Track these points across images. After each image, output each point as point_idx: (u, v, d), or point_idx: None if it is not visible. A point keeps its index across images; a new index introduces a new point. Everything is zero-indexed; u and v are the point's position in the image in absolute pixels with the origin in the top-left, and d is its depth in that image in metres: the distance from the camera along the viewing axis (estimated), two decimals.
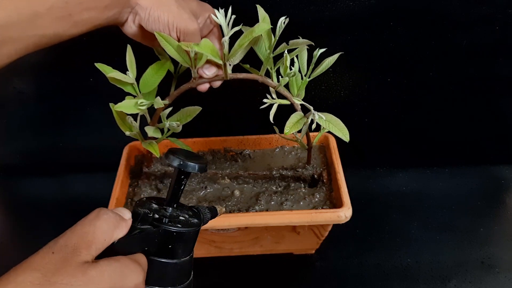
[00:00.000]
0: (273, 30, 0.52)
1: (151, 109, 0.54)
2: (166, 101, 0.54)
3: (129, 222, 0.38)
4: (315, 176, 0.66)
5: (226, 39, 0.49)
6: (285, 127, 0.52)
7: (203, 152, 0.73)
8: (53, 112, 0.80)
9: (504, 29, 0.69)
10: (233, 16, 0.50)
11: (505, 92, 0.77)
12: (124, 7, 0.47)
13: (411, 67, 0.75)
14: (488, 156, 0.85)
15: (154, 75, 0.53)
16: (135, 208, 0.41)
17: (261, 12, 0.52)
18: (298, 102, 0.56)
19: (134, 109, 0.51)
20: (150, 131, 0.55)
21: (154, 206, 0.42)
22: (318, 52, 0.54)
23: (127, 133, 0.54)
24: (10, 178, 0.88)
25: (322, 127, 0.55)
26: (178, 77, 0.57)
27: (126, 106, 0.51)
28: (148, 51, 0.54)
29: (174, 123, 0.55)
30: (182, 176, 0.41)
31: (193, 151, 0.46)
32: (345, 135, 0.54)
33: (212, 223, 0.57)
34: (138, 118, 0.54)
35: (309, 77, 0.56)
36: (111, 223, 0.37)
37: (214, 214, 0.45)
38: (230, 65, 0.53)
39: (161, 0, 0.48)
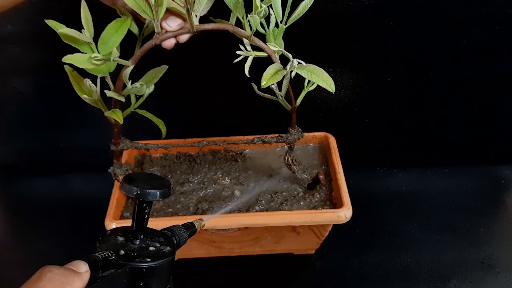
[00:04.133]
0: None
1: (115, 77, 0.50)
2: (129, 63, 0.48)
3: (86, 275, 0.34)
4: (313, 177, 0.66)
5: None
6: (262, 79, 0.47)
7: (203, 152, 0.73)
8: (53, 112, 0.80)
9: (504, 29, 0.69)
10: None
11: (505, 92, 0.77)
12: None
13: (411, 67, 0.75)
14: (488, 156, 0.85)
15: (113, 34, 0.47)
16: (94, 254, 0.36)
17: None
18: (274, 48, 0.50)
19: (87, 63, 0.45)
20: (111, 93, 0.50)
21: (120, 239, 0.38)
22: None
23: (84, 97, 0.49)
24: (10, 178, 0.88)
25: (305, 84, 0.52)
26: (144, 40, 0.52)
27: (78, 59, 0.44)
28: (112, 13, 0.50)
29: (138, 84, 0.50)
30: (144, 205, 0.37)
31: (152, 174, 0.43)
32: (329, 85, 0.49)
33: (212, 223, 0.58)
34: (98, 81, 0.49)
35: (285, 24, 0.50)
36: (58, 281, 0.32)
37: (192, 231, 0.42)
38: (196, 16, 0.48)
39: None
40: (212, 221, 0.58)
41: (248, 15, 0.47)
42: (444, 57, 0.73)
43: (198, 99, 0.79)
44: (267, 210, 0.62)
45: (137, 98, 0.55)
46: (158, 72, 0.52)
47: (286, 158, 0.62)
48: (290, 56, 0.49)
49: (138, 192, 0.36)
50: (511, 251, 0.70)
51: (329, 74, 0.75)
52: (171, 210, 0.63)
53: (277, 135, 0.60)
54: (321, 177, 0.66)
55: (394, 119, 0.81)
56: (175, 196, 0.65)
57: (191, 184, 0.67)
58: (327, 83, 0.49)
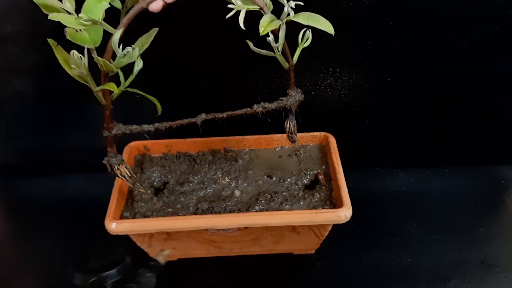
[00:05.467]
0: None
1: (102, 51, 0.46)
2: (116, 30, 0.45)
3: None
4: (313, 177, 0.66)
5: None
6: (260, 26, 0.45)
7: (203, 152, 0.73)
8: (53, 112, 0.80)
9: (504, 29, 0.69)
10: None
11: (505, 92, 0.77)
12: None
13: (411, 67, 0.75)
14: (488, 156, 0.85)
15: (96, 3, 0.44)
16: None
17: None
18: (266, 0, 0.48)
19: (74, 23, 0.42)
20: (100, 60, 0.46)
21: None
22: None
23: (73, 67, 0.45)
24: (10, 178, 0.88)
25: (299, 41, 0.49)
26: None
27: (65, 18, 0.42)
28: None
29: (129, 48, 0.46)
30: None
31: (106, 250, 0.39)
32: (328, 28, 0.48)
33: (213, 223, 0.58)
34: (86, 52, 0.46)
35: None
36: None
37: (158, 268, 0.41)
38: None
39: None
40: (212, 221, 0.58)
41: None
42: (444, 57, 0.73)
43: (197, 98, 0.79)
44: (267, 210, 0.62)
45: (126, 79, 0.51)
46: (148, 37, 0.49)
47: (287, 125, 0.58)
48: (284, 1, 0.47)
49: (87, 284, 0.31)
50: (511, 251, 0.70)
51: (329, 74, 0.76)
52: (171, 210, 0.63)
53: (277, 100, 0.56)
54: (321, 177, 0.66)
55: (394, 119, 0.81)
56: (175, 196, 0.65)
57: (191, 184, 0.67)
58: (325, 26, 0.48)
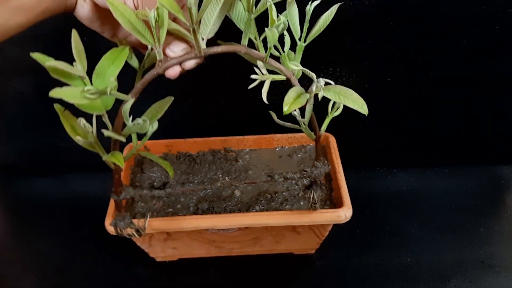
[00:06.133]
0: None
1: (113, 116, 0.43)
2: (128, 97, 0.42)
3: None
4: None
5: (192, 2, 0.38)
6: (284, 104, 0.41)
7: (203, 152, 0.73)
8: (53, 112, 0.80)
9: (504, 29, 0.69)
10: None
11: (505, 92, 0.77)
12: None
13: (411, 67, 0.75)
14: (488, 156, 0.85)
15: (110, 66, 0.42)
16: None
17: None
18: (296, 68, 0.45)
19: (79, 97, 0.38)
20: (109, 133, 0.43)
21: None
22: (312, 6, 0.43)
23: (78, 139, 0.42)
24: (10, 178, 0.88)
25: (329, 110, 0.45)
26: (144, 73, 0.46)
27: (69, 93, 0.37)
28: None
29: (140, 120, 0.43)
30: None
31: None
32: (362, 107, 0.44)
33: (213, 223, 0.58)
34: (94, 120, 0.42)
35: (304, 41, 0.45)
36: None
37: None
38: (203, 39, 0.43)
39: None
40: (212, 221, 0.58)
41: (265, 28, 0.42)
42: (444, 57, 0.73)
43: (197, 98, 0.79)
44: (267, 210, 0.62)
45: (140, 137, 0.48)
46: (163, 105, 0.46)
47: (311, 195, 0.55)
48: (314, 76, 0.43)
49: None
50: (511, 250, 0.70)
51: (329, 74, 0.75)
52: (171, 210, 0.63)
53: (300, 171, 0.54)
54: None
55: (394, 119, 0.81)
56: (176, 196, 0.65)
57: (191, 184, 0.67)
58: (359, 104, 0.44)
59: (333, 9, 0.45)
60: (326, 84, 0.43)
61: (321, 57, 0.74)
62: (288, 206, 0.62)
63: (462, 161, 0.85)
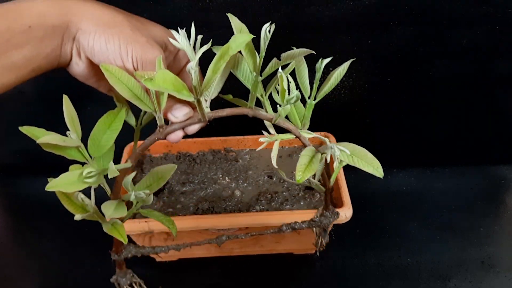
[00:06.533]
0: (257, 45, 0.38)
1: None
2: (128, 164, 0.40)
3: None
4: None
5: (193, 66, 0.35)
6: (296, 172, 0.39)
7: (203, 152, 0.73)
8: (53, 112, 0.80)
9: (504, 29, 0.69)
10: (200, 36, 0.37)
11: (505, 92, 0.77)
12: (64, 36, 0.37)
13: (411, 67, 0.75)
14: (488, 156, 0.85)
15: (106, 130, 0.40)
16: None
17: (234, 22, 0.39)
18: (308, 135, 0.43)
19: (79, 184, 0.36)
20: (109, 209, 0.40)
21: None
22: (322, 63, 0.41)
23: (78, 216, 0.39)
24: (10, 178, 0.88)
25: (339, 161, 0.41)
26: (143, 130, 0.45)
27: (66, 182, 0.36)
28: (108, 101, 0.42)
29: (142, 193, 0.40)
30: None
31: None
32: (377, 169, 0.41)
33: (213, 223, 0.58)
34: (92, 192, 0.40)
35: (314, 99, 0.43)
36: None
37: None
38: (206, 100, 0.41)
39: (109, 21, 0.37)
40: (212, 221, 0.58)
41: (269, 97, 0.41)
42: (444, 57, 0.73)
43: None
44: (267, 210, 0.62)
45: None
46: (165, 172, 0.43)
47: (319, 241, 0.56)
48: (327, 140, 0.42)
49: None
50: (511, 250, 0.70)
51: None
52: (171, 210, 0.63)
53: (308, 220, 0.54)
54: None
55: (394, 119, 0.81)
56: (176, 196, 0.65)
57: (191, 184, 0.67)
58: (374, 166, 0.41)
59: (345, 65, 0.43)
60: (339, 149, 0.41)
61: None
62: (288, 206, 0.62)
63: (462, 161, 0.85)
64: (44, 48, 0.36)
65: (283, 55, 0.39)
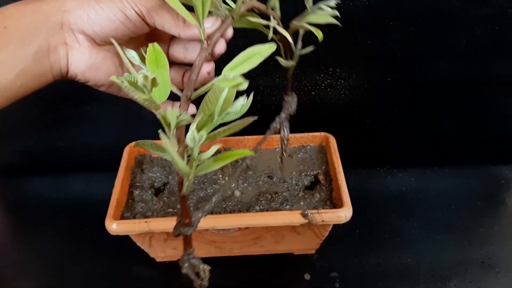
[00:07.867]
0: None
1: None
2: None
3: None
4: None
5: None
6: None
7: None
8: (53, 112, 0.80)
9: (504, 29, 0.69)
10: None
11: (505, 92, 0.77)
12: (48, 30, 0.36)
13: (411, 67, 0.75)
14: (488, 156, 0.85)
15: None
16: None
17: None
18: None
19: None
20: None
21: None
22: None
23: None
24: (10, 178, 0.88)
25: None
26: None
27: None
28: None
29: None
30: None
31: None
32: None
33: (213, 224, 0.58)
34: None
35: None
36: None
37: None
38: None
39: None
40: (212, 221, 0.58)
41: None
42: (444, 57, 0.73)
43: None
44: (267, 210, 0.62)
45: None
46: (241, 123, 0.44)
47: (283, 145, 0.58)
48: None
49: None
50: (511, 250, 0.70)
51: (329, 74, 0.75)
52: (171, 210, 0.63)
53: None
54: (321, 177, 0.66)
55: (394, 119, 0.81)
56: (176, 197, 0.65)
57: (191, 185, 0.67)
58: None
59: None
60: None
61: (321, 57, 0.74)
62: (288, 206, 0.62)
63: (462, 161, 0.85)
64: (27, 49, 0.35)
65: None
